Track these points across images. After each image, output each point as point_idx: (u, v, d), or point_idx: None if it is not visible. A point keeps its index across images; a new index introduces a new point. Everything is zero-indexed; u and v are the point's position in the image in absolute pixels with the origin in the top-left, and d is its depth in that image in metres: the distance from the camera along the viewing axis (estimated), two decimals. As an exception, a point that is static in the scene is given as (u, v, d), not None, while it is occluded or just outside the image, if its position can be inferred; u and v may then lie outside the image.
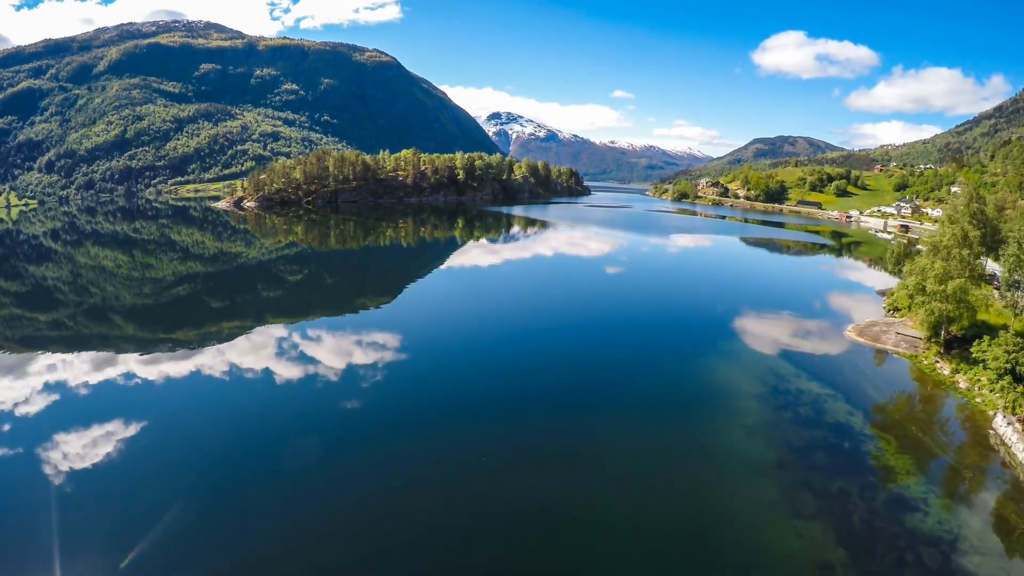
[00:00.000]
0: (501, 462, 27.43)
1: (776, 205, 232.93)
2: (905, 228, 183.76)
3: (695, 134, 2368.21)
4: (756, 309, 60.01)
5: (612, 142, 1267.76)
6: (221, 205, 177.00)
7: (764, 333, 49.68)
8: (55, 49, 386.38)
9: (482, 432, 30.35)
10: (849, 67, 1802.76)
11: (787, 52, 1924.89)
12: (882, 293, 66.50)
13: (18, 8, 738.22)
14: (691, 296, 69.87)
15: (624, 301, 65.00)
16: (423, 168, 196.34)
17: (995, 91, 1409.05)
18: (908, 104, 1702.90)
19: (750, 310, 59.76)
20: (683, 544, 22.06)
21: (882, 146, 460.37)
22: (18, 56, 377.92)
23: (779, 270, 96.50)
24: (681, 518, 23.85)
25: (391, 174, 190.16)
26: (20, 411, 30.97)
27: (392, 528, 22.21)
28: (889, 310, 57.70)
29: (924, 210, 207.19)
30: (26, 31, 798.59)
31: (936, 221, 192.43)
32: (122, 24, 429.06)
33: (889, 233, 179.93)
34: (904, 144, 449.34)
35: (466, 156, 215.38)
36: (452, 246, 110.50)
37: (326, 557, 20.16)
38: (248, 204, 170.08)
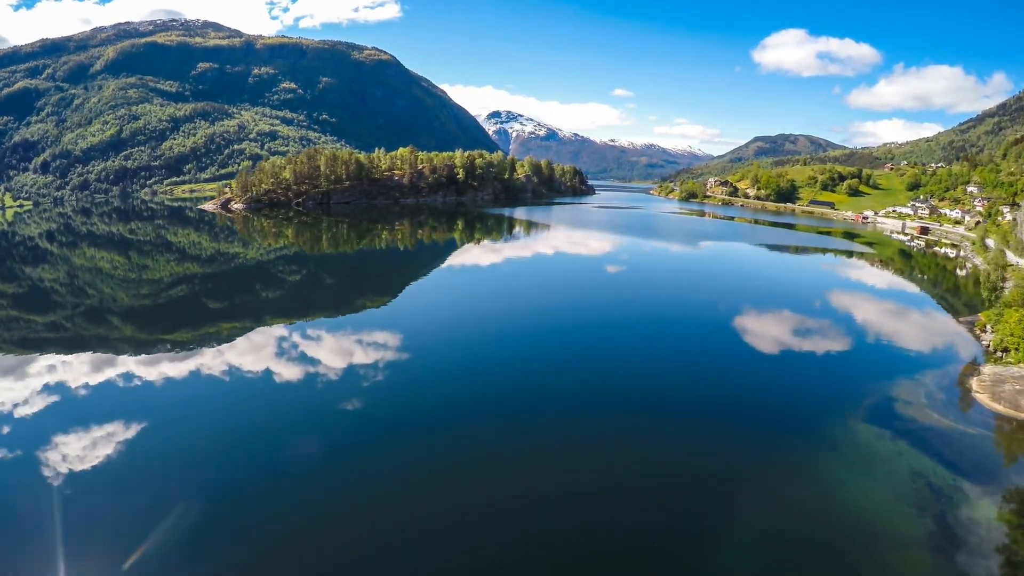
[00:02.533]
0: (507, 463, 26.45)
1: (788, 205, 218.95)
2: (925, 230, 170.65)
3: (696, 132, 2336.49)
4: (837, 353, 46.18)
5: (612, 140, 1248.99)
6: (208, 207, 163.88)
7: (870, 393, 35.86)
8: (52, 49, 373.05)
9: (489, 433, 29.25)
10: (850, 65, 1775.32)
11: (788, 50, 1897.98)
12: (970, 324, 53.14)
13: (16, 8, 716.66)
14: (730, 317, 55.48)
15: (648, 320, 55.40)
16: (420, 167, 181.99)
17: (996, 89, 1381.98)
18: (909, 102, 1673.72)
19: (829, 348, 47.05)
20: None
21: (885, 144, 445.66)
22: (14, 56, 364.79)
23: (829, 286, 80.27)
24: None
25: (386, 173, 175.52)
26: (20, 413, 30.09)
27: (396, 529, 21.26)
28: (995, 350, 44.56)
29: (941, 211, 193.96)
30: (24, 31, 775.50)
31: (957, 223, 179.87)
32: (119, 23, 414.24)
33: (906, 235, 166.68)
34: (907, 142, 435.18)
35: (466, 154, 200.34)
36: (450, 248, 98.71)
37: (329, 557, 19.40)
38: (236, 206, 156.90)
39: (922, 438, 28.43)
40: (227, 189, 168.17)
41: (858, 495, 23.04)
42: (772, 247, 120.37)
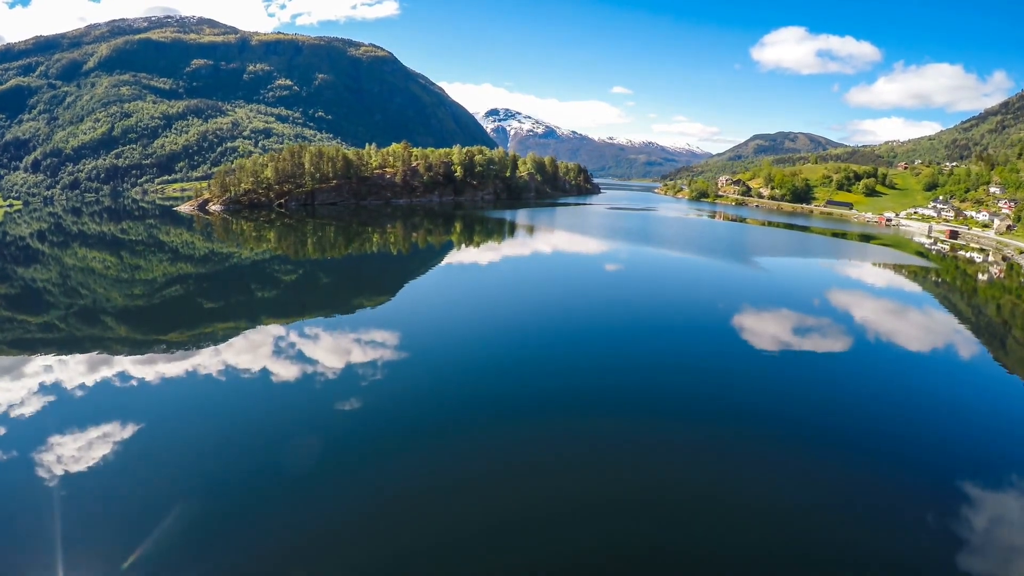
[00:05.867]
0: (510, 467, 24.53)
1: (805, 206, 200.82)
2: (954, 234, 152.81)
3: (695, 130, 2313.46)
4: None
5: (611, 138, 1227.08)
6: (185, 208, 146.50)
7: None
8: (45, 46, 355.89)
9: (492, 435, 27.46)
10: (851, 63, 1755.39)
11: (787, 48, 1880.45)
12: None
13: (12, 6, 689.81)
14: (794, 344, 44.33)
15: (663, 324, 50.63)
16: (415, 164, 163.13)
17: (997, 87, 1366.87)
18: (909, 100, 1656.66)
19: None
20: None
21: (887, 142, 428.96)
22: (7, 54, 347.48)
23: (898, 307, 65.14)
24: None
25: (377, 171, 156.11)
26: (15, 414, 28.74)
27: (395, 533, 20.01)
28: None
29: (966, 213, 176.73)
30: (20, 29, 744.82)
31: (985, 226, 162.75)
32: (114, 20, 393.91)
33: (930, 238, 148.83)
34: (909, 140, 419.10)
35: (464, 150, 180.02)
36: (444, 255, 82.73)
37: (327, 557, 18.71)
38: (214, 207, 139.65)
39: None
40: (206, 189, 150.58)
41: None
42: (831, 260, 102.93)
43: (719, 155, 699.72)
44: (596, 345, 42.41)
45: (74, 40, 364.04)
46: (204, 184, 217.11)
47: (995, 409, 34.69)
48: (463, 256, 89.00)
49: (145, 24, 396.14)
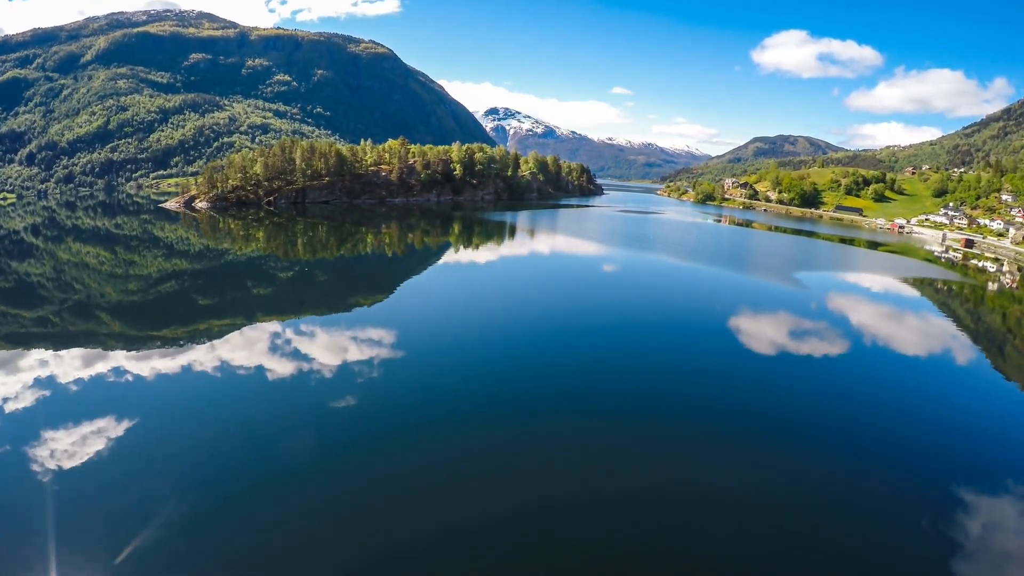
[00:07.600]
0: (509, 467, 23.93)
1: (814, 211, 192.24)
2: (970, 243, 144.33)
3: (694, 132, 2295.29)
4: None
5: (610, 139, 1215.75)
6: (171, 205, 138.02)
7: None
8: (43, 38, 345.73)
9: (492, 434, 26.70)
10: (851, 67, 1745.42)
11: (788, 51, 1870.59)
12: None
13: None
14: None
15: (670, 326, 49.88)
16: (412, 162, 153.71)
17: (997, 93, 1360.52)
18: (909, 105, 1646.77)
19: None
20: None
21: (888, 147, 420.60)
22: (5, 46, 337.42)
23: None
24: None
25: (372, 169, 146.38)
26: (9, 408, 28.08)
27: (388, 529, 19.64)
28: None
29: (979, 221, 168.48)
30: (19, 21, 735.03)
31: (1000, 235, 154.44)
32: (112, 13, 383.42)
33: (943, 247, 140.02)
34: (910, 145, 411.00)
35: (464, 148, 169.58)
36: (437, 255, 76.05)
37: (323, 554, 18.22)
38: (200, 204, 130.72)
39: None
40: (194, 185, 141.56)
41: None
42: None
43: (719, 157, 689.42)
44: (595, 347, 41.29)
45: (72, 33, 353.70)
46: (192, 180, 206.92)
47: (994, 415, 34.15)
48: (461, 257, 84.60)
49: (144, 18, 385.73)
